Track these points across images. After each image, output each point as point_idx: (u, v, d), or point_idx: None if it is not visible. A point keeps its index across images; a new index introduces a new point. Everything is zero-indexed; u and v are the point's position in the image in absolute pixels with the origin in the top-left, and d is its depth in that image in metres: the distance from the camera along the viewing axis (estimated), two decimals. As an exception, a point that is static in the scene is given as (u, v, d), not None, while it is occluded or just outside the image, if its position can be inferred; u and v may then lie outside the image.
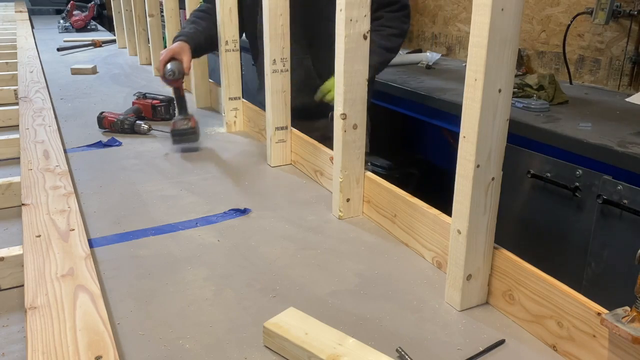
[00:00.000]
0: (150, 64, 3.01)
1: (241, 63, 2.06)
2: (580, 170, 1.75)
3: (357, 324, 0.93)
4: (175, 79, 1.74)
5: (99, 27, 4.89)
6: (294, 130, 1.64)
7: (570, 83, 2.51)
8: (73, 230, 1.13)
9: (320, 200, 1.42)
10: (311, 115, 1.83)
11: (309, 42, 1.85)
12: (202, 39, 1.90)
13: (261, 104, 1.77)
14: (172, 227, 1.27)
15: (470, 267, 0.94)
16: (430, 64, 2.93)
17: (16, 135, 1.72)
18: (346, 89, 1.21)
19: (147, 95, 2.13)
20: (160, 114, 2.06)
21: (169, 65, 1.74)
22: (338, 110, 1.24)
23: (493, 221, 0.94)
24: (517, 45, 0.84)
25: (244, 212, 1.34)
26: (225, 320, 0.94)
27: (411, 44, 3.50)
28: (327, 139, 1.44)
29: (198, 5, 2.25)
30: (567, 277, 1.02)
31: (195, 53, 1.87)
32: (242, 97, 2.01)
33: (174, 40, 1.87)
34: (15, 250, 1.05)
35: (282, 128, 1.62)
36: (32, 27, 4.40)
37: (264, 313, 0.93)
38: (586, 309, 0.81)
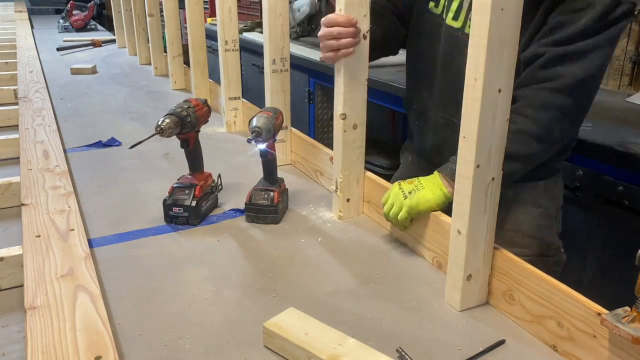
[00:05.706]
0: (149, 64, 3.01)
1: (241, 63, 2.05)
2: (580, 170, 1.75)
3: (357, 324, 0.93)
4: (265, 140, 1.22)
5: (99, 26, 4.88)
6: (294, 130, 1.64)
7: (570, 83, 2.51)
8: (73, 230, 1.13)
9: (320, 200, 1.42)
10: None
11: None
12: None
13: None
14: (171, 227, 1.27)
15: (470, 267, 0.94)
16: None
17: (16, 135, 1.72)
18: (346, 89, 1.21)
19: None
20: None
21: (254, 121, 1.21)
22: (338, 110, 1.24)
23: (493, 221, 0.94)
24: (517, 45, 0.84)
25: (243, 212, 1.34)
26: (225, 320, 0.94)
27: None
28: None
29: (200, 5, 2.25)
30: (567, 277, 1.03)
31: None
32: (242, 97, 2.01)
33: None
34: (15, 250, 1.05)
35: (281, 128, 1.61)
36: (32, 26, 4.39)
37: (264, 313, 0.93)
38: (586, 309, 0.81)
